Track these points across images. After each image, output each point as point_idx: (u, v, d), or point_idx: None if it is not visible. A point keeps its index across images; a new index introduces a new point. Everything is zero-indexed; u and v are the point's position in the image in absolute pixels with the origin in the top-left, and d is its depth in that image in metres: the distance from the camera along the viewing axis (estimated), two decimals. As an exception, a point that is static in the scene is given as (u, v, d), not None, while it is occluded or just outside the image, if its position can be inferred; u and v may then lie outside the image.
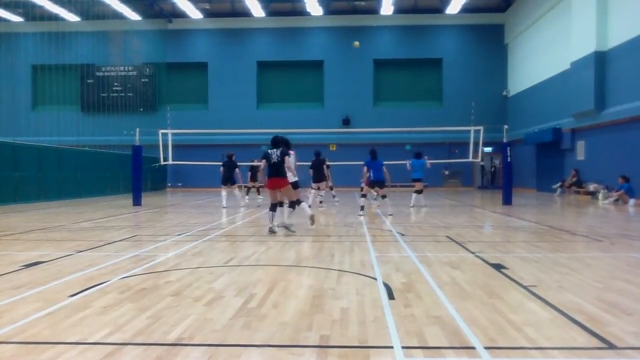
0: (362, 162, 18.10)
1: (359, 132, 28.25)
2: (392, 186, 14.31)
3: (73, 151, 22.87)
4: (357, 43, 20.35)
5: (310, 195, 15.40)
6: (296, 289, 4.93)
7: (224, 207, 15.66)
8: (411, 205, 15.40)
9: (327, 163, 15.93)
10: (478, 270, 5.86)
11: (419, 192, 15.51)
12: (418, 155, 15.64)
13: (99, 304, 4.40)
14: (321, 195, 16.11)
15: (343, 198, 19.72)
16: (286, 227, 9.29)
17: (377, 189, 13.61)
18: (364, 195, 13.49)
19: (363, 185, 13.82)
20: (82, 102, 31.96)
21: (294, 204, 9.46)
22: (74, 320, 3.91)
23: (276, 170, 9.01)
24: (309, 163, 15.35)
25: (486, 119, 24.29)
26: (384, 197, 13.15)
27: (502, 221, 11.91)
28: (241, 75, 31.57)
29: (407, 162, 15.66)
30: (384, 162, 12.99)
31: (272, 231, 9.11)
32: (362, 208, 12.93)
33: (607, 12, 19.35)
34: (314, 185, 15.53)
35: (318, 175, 15.33)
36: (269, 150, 9.15)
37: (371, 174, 12.71)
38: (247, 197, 18.93)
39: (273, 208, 9.20)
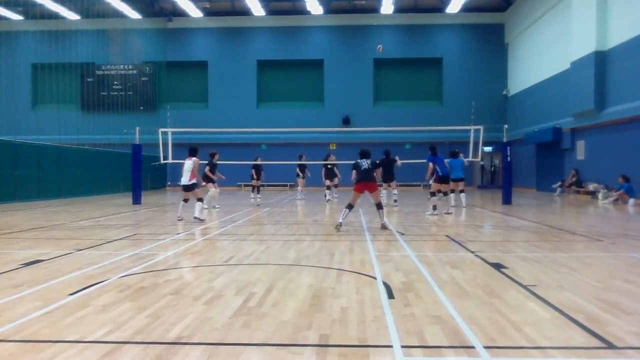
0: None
1: (359, 132, 28.23)
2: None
3: (73, 150, 22.86)
4: (380, 47, 20.34)
5: (382, 195, 15.52)
6: (296, 288, 4.93)
7: (215, 207, 15.60)
8: (464, 205, 15.20)
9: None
10: (478, 270, 5.85)
11: (461, 191, 15.40)
12: (454, 154, 15.06)
13: (98, 302, 4.40)
14: (395, 194, 15.99)
15: (342, 197, 19.69)
16: (384, 226, 9.85)
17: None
18: (433, 194, 13.25)
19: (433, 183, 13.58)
20: (82, 101, 31.93)
21: (381, 205, 10.14)
22: (73, 319, 3.91)
23: (367, 176, 9.93)
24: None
25: (486, 119, 24.25)
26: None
27: (501, 221, 11.91)
28: (241, 74, 31.54)
29: (445, 162, 14.87)
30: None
31: (338, 228, 9.67)
32: (435, 207, 12.88)
33: (607, 11, 19.34)
34: (384, 184, 15.65)
35: (388, 174, 15.30)
36: (359, 160, 10.08)
37: (439, 170, 12.87)
38: (252, 195, 18.97)
39: (350, 207, 9.92)
